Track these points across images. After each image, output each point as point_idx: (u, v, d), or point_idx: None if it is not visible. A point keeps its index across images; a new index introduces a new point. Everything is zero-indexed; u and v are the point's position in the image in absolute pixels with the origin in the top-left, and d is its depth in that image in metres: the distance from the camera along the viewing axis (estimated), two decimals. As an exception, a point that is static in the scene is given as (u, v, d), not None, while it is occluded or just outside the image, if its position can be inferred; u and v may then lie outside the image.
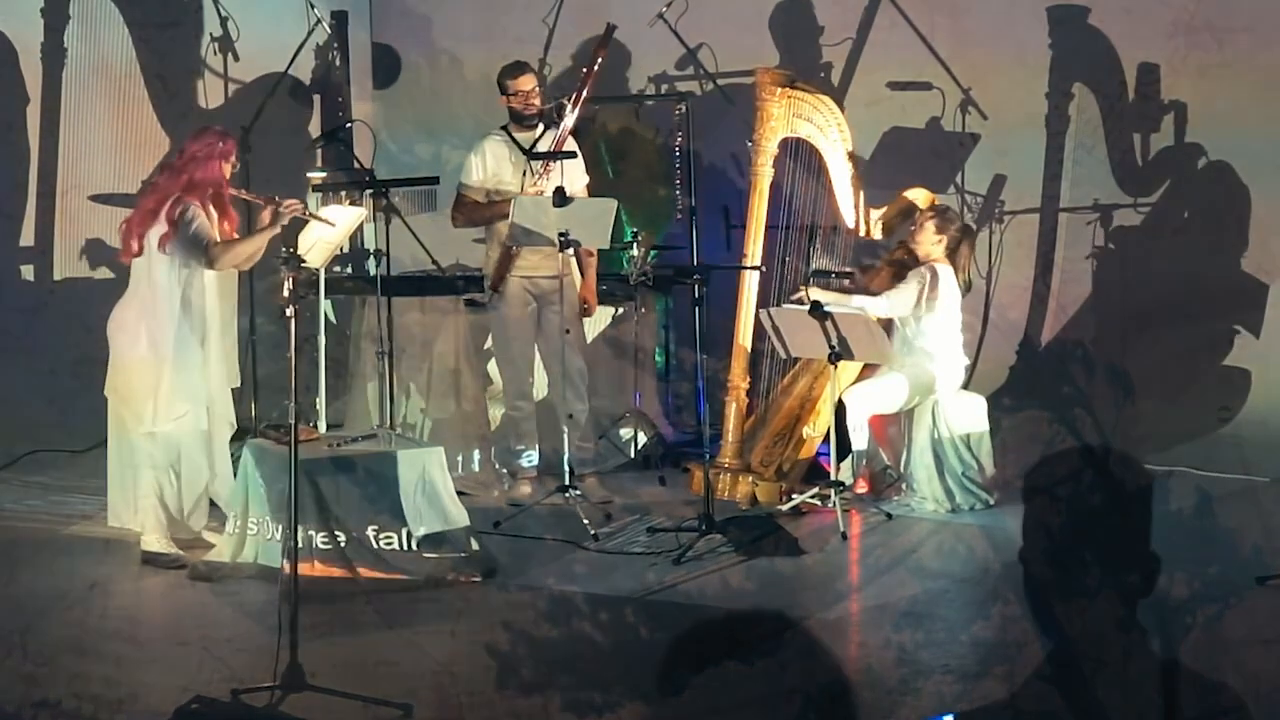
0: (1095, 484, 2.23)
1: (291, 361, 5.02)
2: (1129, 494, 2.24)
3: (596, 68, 7.76)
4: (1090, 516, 2.23)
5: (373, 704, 4.93)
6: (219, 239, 6.60)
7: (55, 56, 9.61)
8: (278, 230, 6.63)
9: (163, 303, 6.59)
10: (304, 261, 5.10)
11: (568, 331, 7.36)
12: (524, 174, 7.55)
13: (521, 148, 7.58)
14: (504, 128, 7.73)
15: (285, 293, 4.96)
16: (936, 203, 8.03)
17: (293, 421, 5.05)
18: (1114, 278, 9.42)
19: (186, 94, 9.84)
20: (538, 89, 7.70)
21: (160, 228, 6.57)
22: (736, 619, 1.85)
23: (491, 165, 7.69)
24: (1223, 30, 8.98)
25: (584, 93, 7.68)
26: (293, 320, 4.93)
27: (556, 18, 9.98)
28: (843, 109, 7.92)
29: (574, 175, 7.60)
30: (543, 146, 7.58)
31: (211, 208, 6.62)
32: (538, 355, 7.58)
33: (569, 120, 7.57)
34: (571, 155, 7.52)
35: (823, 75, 9.40)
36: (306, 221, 6.67)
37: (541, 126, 7.68)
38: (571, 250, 7.22)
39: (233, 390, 7.08)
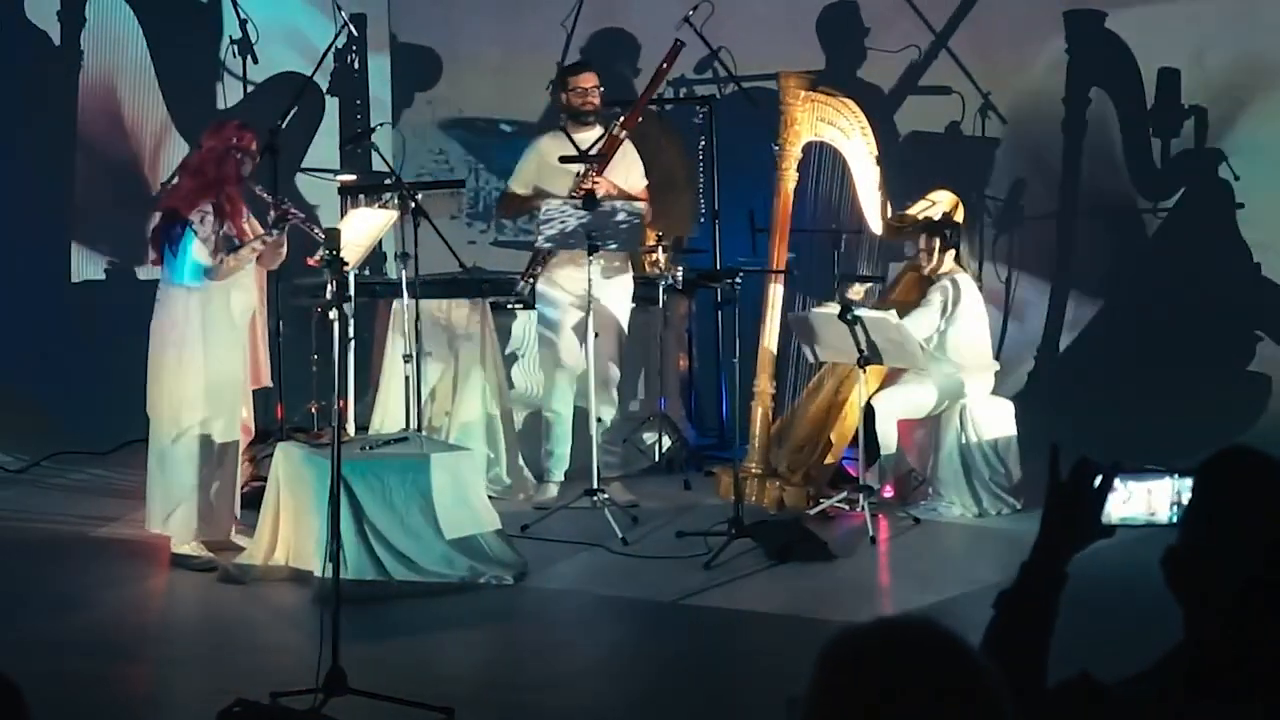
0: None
1: (335, 364, 5.00)
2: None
3: (661, 80, 7.87)
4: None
5: (415, 708, 4.91)
6: (234, 237, 6.56)
7: (72, 59, 9.60)
8: (273, 238, 6.59)
9: (189, 304, 6.57)
10: (346, 264, 5.07)
11: (597, 335, 7.34)
12: (575, 174, 7.51)
13: (576, 147, 7.56)
14: (562, 126, 7.71)
15: (329, 295, 4.94)
16: (946, 209, 7.98)
17: (335, 424, 5.03)
18: (1133, 282, 9.43)
19: (202, 95, 9.84)
20: (598, 88, 7.68)
21: (177, 231, 6.55)
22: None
23: (542, 164, 7.67)
24: (1239, 33, 8.99)
25: (642, 105, 7.75)
26: (336, 323, 4.90)
27: (575, 22, 9.98)
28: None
29: (629, 178, 7.61)
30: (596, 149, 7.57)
31: (226, 205, 6.55)
32: (580, 358, 7.50)
33: (615, 130, 7.56)
34: (598, 158, 7.50)
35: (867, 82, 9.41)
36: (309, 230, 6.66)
37: (599, 128, 7.66)
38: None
39: (255, 392, 7.06)
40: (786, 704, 1.77)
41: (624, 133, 7.59)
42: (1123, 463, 2.40)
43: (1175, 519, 2.38)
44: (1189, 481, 2.37)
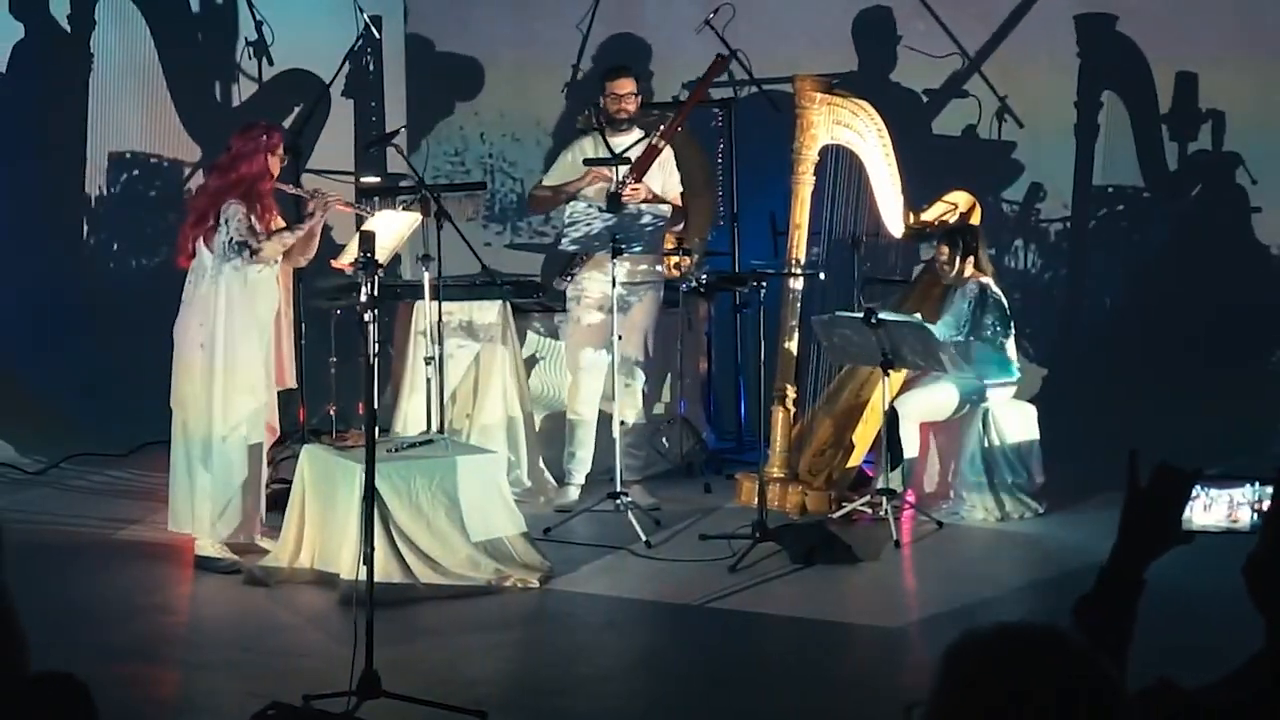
0: None
1: (369, 366, 4.98)
2: None
3: (702, 92, 7.94)
4: None
5: (450, 711, 4.89)
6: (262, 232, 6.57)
7: (82, 61, 9.58)
8: (319, 221, 6.61)
9: (217, 304, 6.56)
10: (382, 266, 5.06)
11: (620, 337, 7.32)
12: (613, 179, 7.49)
13: (610, 150, 7.53)
14: (600, 128, 7.70)
15: (363, 297, 4.93)
16: (964, 210, 7.97)
17: (369, 426, 5.01)
18: (1149, 284, 9.42)
19: (215, 97, 9.83)
20: (633, 95, 7.66)
21: (208, 228, 6.56)
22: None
23: (577, 164, 7.64)
24: (1256, 35, 8.99)
25: (683, 117, 7.77)
26: (371, 325, 4.90)
27: (590, 23, 9.97)
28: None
29: (666, 186, 7.61)
30: (634, 153, 7.53)
31: (257, 203, 6.57)
32: (606, 361, 7.47)
33: (654, 140, 7.54)
34: (624, 161, 7.47)
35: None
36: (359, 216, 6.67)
37: (637, 131, 7.65)
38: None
39: (280, 394, 7.04)
40: (903, 711, 1.77)
41: (663, 143, 7.57)
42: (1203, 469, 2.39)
43: (1256, 526, 2.36)
44: (1270, 489, 2.36)
